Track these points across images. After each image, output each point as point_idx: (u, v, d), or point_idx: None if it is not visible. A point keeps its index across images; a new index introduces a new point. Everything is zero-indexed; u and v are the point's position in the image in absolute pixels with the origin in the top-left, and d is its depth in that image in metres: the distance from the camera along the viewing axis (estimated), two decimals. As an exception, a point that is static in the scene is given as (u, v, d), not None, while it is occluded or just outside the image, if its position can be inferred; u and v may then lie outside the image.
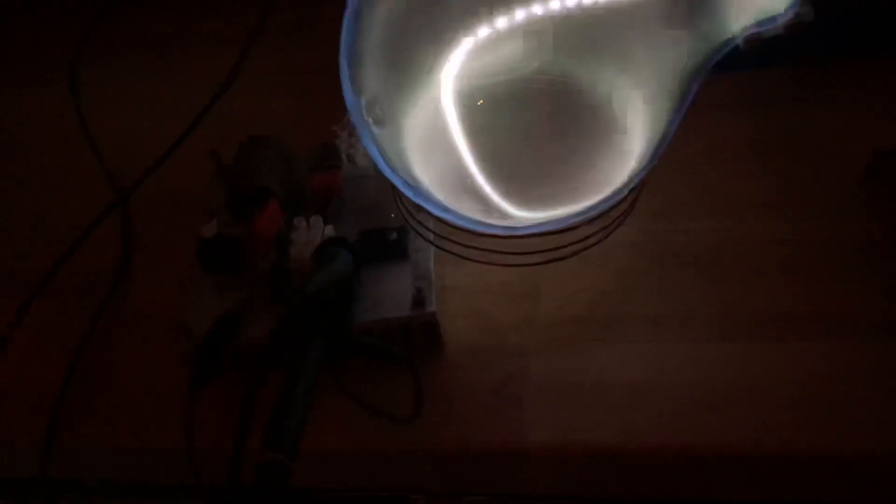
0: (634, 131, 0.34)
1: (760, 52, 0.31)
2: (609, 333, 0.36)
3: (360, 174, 0.41)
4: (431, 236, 0.37)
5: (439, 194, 0.34)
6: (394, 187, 0.34)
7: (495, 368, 0.36)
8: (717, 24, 0.30)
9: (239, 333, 0.36)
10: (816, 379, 0.34)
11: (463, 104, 0.33)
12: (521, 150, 0.34)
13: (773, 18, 0.30)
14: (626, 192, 0.33)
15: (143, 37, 0.58)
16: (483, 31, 0.32)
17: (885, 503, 0.33)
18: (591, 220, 0.34)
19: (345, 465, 0.36)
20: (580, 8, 0.31)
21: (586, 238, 0.35)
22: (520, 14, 0.32)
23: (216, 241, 0.37)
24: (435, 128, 0.34)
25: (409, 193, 0.33)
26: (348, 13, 0.32)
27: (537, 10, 0.31)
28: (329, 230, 0.38)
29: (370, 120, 0.33)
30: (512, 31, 0.32)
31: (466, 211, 0.34)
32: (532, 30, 0.32)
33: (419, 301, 0.35)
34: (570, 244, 0.35)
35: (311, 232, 0.38)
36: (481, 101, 0.33)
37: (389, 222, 0.38)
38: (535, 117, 0.35)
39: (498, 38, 0.32)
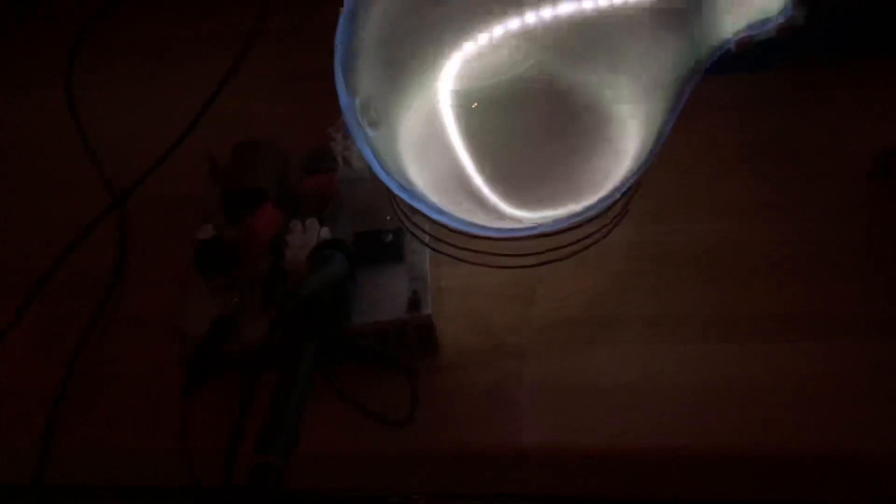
0: (629, 133, 0.34)
1: (755, 54, 0.32)
2: (605, 335, 0.36)
3: (355, 176, 0.41)
4: (427, 238, 0.37)
5: (434, 196, 0.34)
6: (389, 190, 0.34)
7: (491, 370, 0.36)
8: (710, 27, 0.31)
9: (234, 336, 0.36)
10: (814, 379, 0.34)
11: (458, 106, 0.33)
12: (517, 152, 0.34)
13: (765, 22, 0.30)
14: (619, 194, 0.34)
15: (140, 39, 0.58)
16: (481, 35, 0.32)
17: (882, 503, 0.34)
18: (586, 222, 0.34)
19: (339, 468, 0.36)
20: (575, 12, 0.31)
21: (582, 239, 0.35)
22: (515, 19, 0.32)
23: (212, 243, 0.38)
24: (430, 130, 0.34)
25: (403, 196, 0.33)
26: (343, 15, 0.33)
27: (534, 15, 0.32)
28: (325, 232, 0.38)
29: (365, 122, 0.33)
30: (508, 34, 0.32)
31: (462, 213, 0.34)
32: (526, 32, 0.32)
33: (415, 303, 0.35)
34: (566, 246, 0.35)
35: (307, 234, 0.38)
36: (475, 104, 0.33)
37: (385, 224, 0.38)
38: (530, 119, 0.35)
39: (493, 41, 0.32)
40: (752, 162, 0.42)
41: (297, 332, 0.31)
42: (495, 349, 0.37)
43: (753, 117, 0.43)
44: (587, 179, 0.34)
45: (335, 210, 0.40)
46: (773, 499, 0.34)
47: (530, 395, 0.35)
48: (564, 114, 0.34)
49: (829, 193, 0.39)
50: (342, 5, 0.33)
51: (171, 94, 0.52)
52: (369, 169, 0.34)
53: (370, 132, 0.33)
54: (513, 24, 0.32)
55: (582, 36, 0.32)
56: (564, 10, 0.31)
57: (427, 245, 0.37)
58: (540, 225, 0.34)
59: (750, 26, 0.30)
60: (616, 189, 0.33)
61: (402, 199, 0.34)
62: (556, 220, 0.34)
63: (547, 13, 0.31)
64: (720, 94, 0.44)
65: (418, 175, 0.35)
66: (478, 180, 0.34)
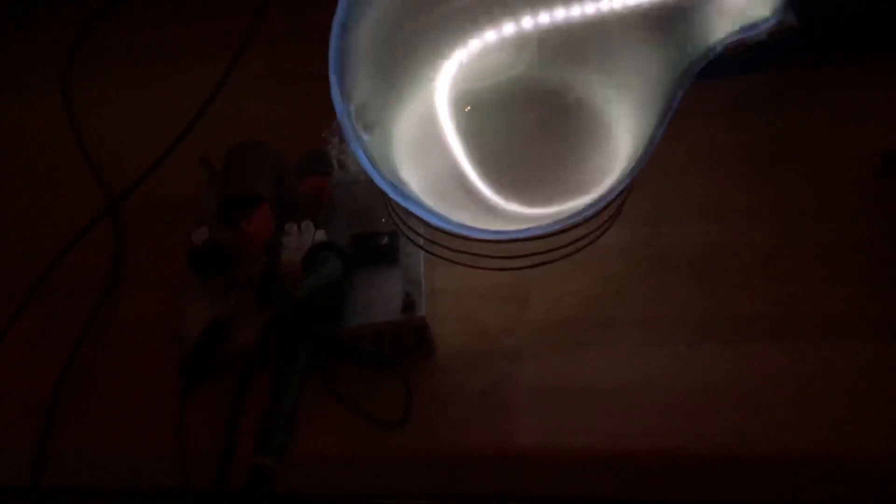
0: (622, 135, 0.34)
1: (748, 57, 0.32)
2: (599, 336, 0.37)
3: (351, 179, 0.41)
4: (422, 241, 0.37)
5: (429, 199, 0.35)
6: (384, 192, 0.34)
7: (485, 372, 0.36)
8: (701, 31, 0.31)
9: (230, 338, 0.36)
10: (810, 380, 0.34)
11: (452, 108, 0.34)
12: (510, 154, 0.34)
13: (756, 25, 0.30)
14: (613, 196, 0.34)
15: (137, 41, 0.58)
16: (475, 40, 0.32)
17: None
18: (579, 224, 0.35)
19: (335, 469, 0.36)
20: (566, 18, 0.31)
21: (575, 241, 0.35)
22: (510, 23, 0.32)
23: (207, 246, 0.38)
24: (425, 132, 0.35)
25: (397, 199, 0.34)
26: (337, 19, 0.33)
27: (528, 19, 0.32)
28: (320, 235, 0.38)
29: (359, 126, 0.33)
30: (502, 38, 0.32)
31: (459, 213, 0.34)
32: (520, 35, 0.32)
33: (409, 305, 0.35)
34: (560, 248, 0.35)
35: (302, 237, 0.38)
36: (468, 108, 0.33)
37: (380, 227, 0.39)
38: (523, 121, 0.35)
39: (488, 45, 0.33)
40: (746, 164, 0.42)
41: (292, 334, 0.31)
42: (490, 351, 0.37)
43: (747, 120, 0.43)
44: (581, 181, 0.34)
45: (331, 212, 0.40)
46: (769, 499, 0.35)
47: (525, 397, 0.35)
48: (558, 116, 0.35)
49: (823, 195, 0.40)
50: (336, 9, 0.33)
51: (167, 96, 0.52)
52: (364, 172, 0.34)
53: (365, 136, 0.33)
54: (507, 28, 0.32)
55: (574, 39, 0.32)
56: (558, 15, 0.32)
57: (422, 247, 0.37)
58: (533, 227, 0.34)
59: (741, 30, 0.30)
60: (609, 191, 0.34)
61: (396, 203, 0.34)
62: (550, 223, 0.34)
63: (541, 18, 0.32)
64: (714, 97, 0.44)
65: (413, 177, 0.35)
66: (476, 179, 0.34)
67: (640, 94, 0.33)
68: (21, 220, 0.48)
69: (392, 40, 0.34)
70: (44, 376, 0.39)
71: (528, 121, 0.35)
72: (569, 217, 0.34)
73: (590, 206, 0.34)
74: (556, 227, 0.34)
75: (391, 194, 0.34)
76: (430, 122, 0.34)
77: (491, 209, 0.34)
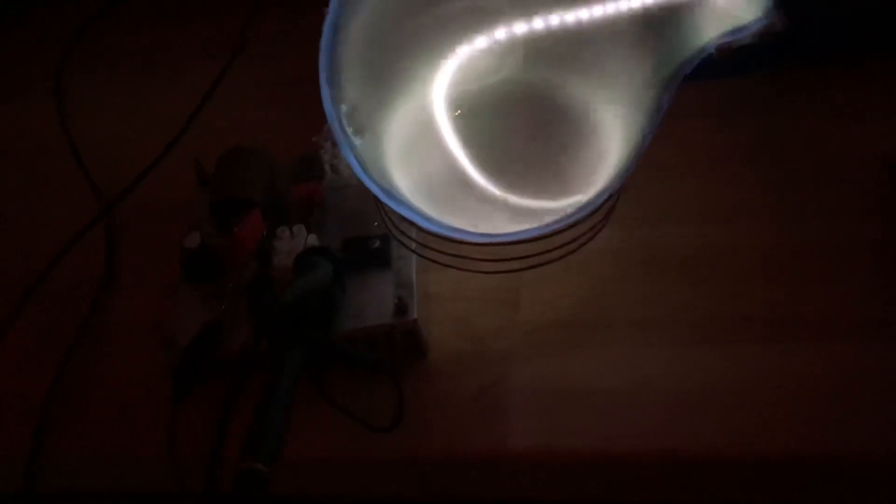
0: (612, 138, 0.35)
1: (738, 59, 0.32)
2: (592, 338, 0.37)
3: (342, 184, 0.41)
4: (413, 244, 0.37)
5: (421, 202, 0.35)
6: (375, 196, 0.34)
7: (478, 375, 0.36)
8: (690, 34, 0.31)
9: (221, 343, 0.36)
10: (803, 381, 0.34)
11: (443, 110, 0.34)
12: (501, 157, 0.35)
13: (744, 28, 0.30)
14: (603, 199, 0.34)
15: (128, 48, 0.58)
16: (467, 43, 0.33)
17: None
18: (570, 227, 0.35)
19: (326, 473, 0.36)
20: (555, 24, 0.31)
21: (567, 244, 0.35)
22: (500, 28, 0.32)
23: (199, 251, 0.38)
24: (416, 136, 0.35)
25: (389, 203, 0.34)
26: (327, 25, 0.33)
27: (519, 26, 0.32)
28: (312, 239, 0.38)
29: (351, 130, 0.33)
30: (492, 42, 0.32)
31: (448, 218, 0.34)
32: (510, 39, 0.32)
33: (401, 309, 0.35)
34: (551, 250, 0.35)
35: (294, 241, 0.38)
36: (458, 111, 0.33)
37: (372, 231, 0.39)
38: (513, 124, 0.35)
39: (478, 49, 0.33)
40: (738, 166, 0.42)
41: (283, 338, 0.31)
42: (483, 354, 0.37)
43: (739, 122, 0.44)
44: (572, 183, 0.34)
45: (323, 217, 0.40)
46: (766, 501, 0.35)
47: (518, 400, 0.35)
48: (547, 119, 0.35)
49: (819, 196, 0.40)
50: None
51: (161, 100, 0.52)
52: (356, 176, 0.34)
53: (356, 140, 0.33)
54: (498, 33, 0.32)
55: (563, 42, 0.32)
56: (548, 21, 0.32)
57: (413, 251, 0.37)
58: (525, 230, 0.34)
59: (729, 32, 0.31)
60: (600, 193, 0.34)
61: (388, 206, 0.34)
62: (542, 226, 0.34)
63: (531, 24, 0.32)
64: (708, 98, 0.44)
65: (405, 181, 0.35)
66: (474, 173, 0.34)
67: (630, 96, 0.33)
68: (15, 224, 0.48)
69: (383, 44, 0.34)
70: (37, 381, 0.39)
71: (517, 124, 0.35)
72: (561, 219, 0.34)
73: (581, 208, 0.34)
74: (549, 230, 0.34)
75: (382, 198, 0.34)
76: (423, 125, 0.34)
77: (489, 201, 0.34)
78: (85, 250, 0.44)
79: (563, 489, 0.35)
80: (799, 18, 0.31)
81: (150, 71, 0.56)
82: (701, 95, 0.43)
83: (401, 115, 0.35)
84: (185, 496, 0.34)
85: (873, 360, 0.34)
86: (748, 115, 0.44)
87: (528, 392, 0.35)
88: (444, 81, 0.33)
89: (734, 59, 0.32)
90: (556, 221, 0.34)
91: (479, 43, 0.32)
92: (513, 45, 0.32)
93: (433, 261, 0.37)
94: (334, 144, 0.41)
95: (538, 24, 0.32)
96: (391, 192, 0.34)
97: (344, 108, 0.33)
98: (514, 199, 0.34)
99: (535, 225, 0.34)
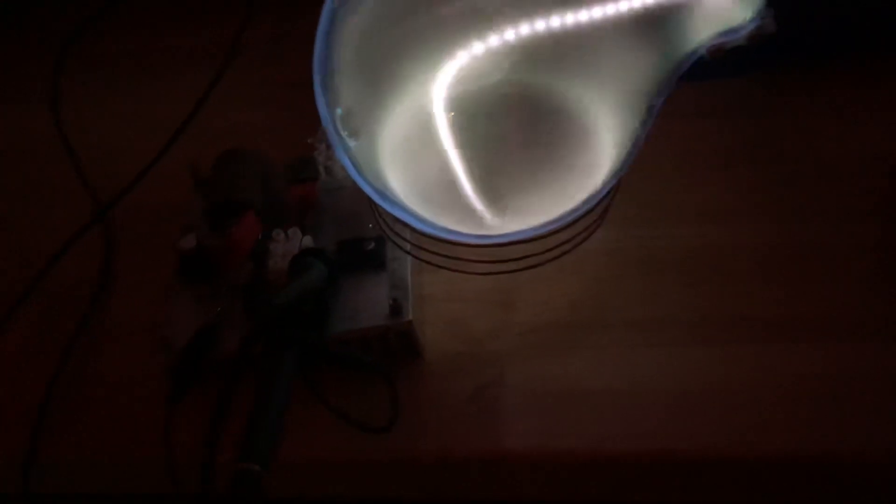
0: (606, 139, 0.35)
1: (731, 61, 0.32)
2: (586, 339, 0.37)
3: (337, 185, 0.41)
4: (408, 246, 0.37)
5: (416, 203, 0.35)
6: (370, 198, 0.34)
7: (472, 376, 0.36)
8: (682, 36, 0.31)
9: (217, 345, 0.36)
10: (798, 382, 0.34)
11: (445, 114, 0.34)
12: (495, 160, 0.35)
13: (736, 30, 0.30)
14: (597, 199, 0.34)
15: (123, 52, 0.58)
16: (461, 46, 0.33)
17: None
18: (565, 228, 0.35)
19: (322, 475, 0.36)
20: (549, 27, 0.31)
21: (561, 245, 0.35)
22: (496, 32, 0.32)
23: (195, 252, 0.38)
24: (412, 138, 0.35)
25: (383, 204, 0.34)
26: (321, 27, 0.33)
27: (514, 30, 0.32)
28: (307, 241, 0.38)
29: (345, 132, 0.33)
30: (487, 46, 0.32)
31: (443, 219, 0.34)
32: (504, 42, 0.33)
33: (396, 310, 0.35)
34: (546, 251, 0.35)
35: (289, 243, 0.38)
36: (452, 114, 0.33)
37: (367, 232, 0.39)
38: (507, 127, 0.35)
39: (472, 53, 0.33)
40: (734, 167, 0.42)
41: (277, 340, 0.31)
42: (477, 355, 0.37)
43: (734, 123, 0.44)
44: (565, 186, 0.35)
45: (318, 218, 0.40)
46: (761, 501, 0.35)
47: (513, 400, 0.35)
48: (541, 122, 0.35)
49: (813, 196, 0.40)
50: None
51: (156, 103, 0.52)
52: (351, 178, 0.34)
53: (351, 142, 0.33)
54: (493, 37, 0.32)
55: (558, 45, 0.32)
56: (542, 23, 0.32)
57: (408, 252, 0.37)
58: (519, 231, 0.34)
59: (721, 34, 0.31)
60: (594, 195, 0.34)
61: (382, 208, 0.34)
62: (536, 227, 0.34)
63: (525, 26, 0.32)
64: (701, 100, 0.44)
65: (399, 182, 0.35)
66: (465, 186, 0.34)
67: (623, 97, 0.33)
68: (10, 228, 0.48)
69: (378, 46, 0.34)
70: (34, 382, 0.39)
71: (511, 126, 0.35)
72: (555, 220, 0.34)
73: (575, 209, 0.34)
74: (543, 231, 0.34)
75: (377, 200, 0.34)
76: (418, 127, 0.34)
77: (480, 218, 0.34)
78: (82, 252, 0.44)
79: (559, 490, 0.36)
80: (790, 20, 0.31)
81: (146, 73, 0.56)
82: (697, 96, 0.43)
83: (396, 117, 0.35)
84: (181, 497, 0.34)
85: (872, 360, 0.34)
86: (745, 116, 0.44)
87: (524, 393, 0.35)
88: (440, 84, 0.33)
89: (728, 59, 0.32)
90: (552, 222, 0.34)
91: (475, 45, 0.33)
92: (507, 47, 0.32)
93: (428, 262, 0.37)
94: (329, 146, 0.42)
95: (533, 26, 0.32)
96: (385, 194, 0.34)
97: (339, 110, 0.33)
98: (498, 221, 0.34)
99: (528, 226, 0.34)
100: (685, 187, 0.41)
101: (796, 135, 0.42)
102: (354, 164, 0.33)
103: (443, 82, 0.33)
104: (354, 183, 0.34)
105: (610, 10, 0.31)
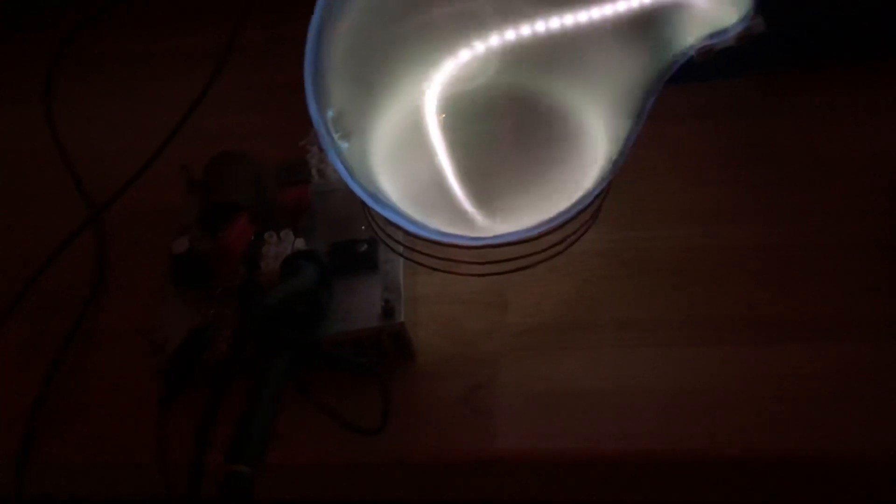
0: (596, 140, 0.35)
1: (720, 62, 0.32)
2: (578, 340, 0.37)
3: (330, 188, 0.41)
4: (401, 248, 0.37)
5: (408, 205, 0.35)
6: (362, 200, 0.35)
7: (465, 377, 0.36)
8: (671, 38, 0.31)
9: (209, 347, 0.36)
10: (786, 382, 0.34)
11: (427, 115, 0.34)
12: (487, 161, 0.35)
13: (724, 31, 0.31)
14: (588, 200, 0.34)
15: (116, 55, 0.58)
16: (452, 48, 0.33)
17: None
18: (556, 229, 0.35)
19: (313, 477, 0.36)
20: (539, 30, 0.31)
21: (553, 246, 0.35)
22: (486, 35, 0.32)
23: (187, 256, 0.38)
24: (403, 140, 0.35)
25: (375, 206, 0.34)
26: (312, 30, 0.33)
27: (504, 33, 0.32)
28: (300, 243, 0.38)
29: (338, 134, 0.33)
30: (477, 48, 0.33)
31: (435, 221, 0.35)
32: (493, 45, 0.33)
33: (388, 312, 0.36)
34: (538, 252, 0.35)
35: (282, 245, 0.38)
36: (443, 115, 0.33)
37: (360, 234, 0.39)
38: (498, 128, 0.35)
39: (463, 55, 0.33)
40: (724, 168, 0.42)
41: (268, 342, 0.32)
42: (470, 356, 0.37)
43: (724, 124, 0.44)
44: (557, 187, 0.35)
45: (310, 221, 0.40)
46: (750, 501, 0.35)
47: (505, 401, 0.35)
48: (532, 123, 0.35)
49: (804, 197, 0.40)
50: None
51: (149, 107, 0.52)
52: (343, 180, 0.34)
53: (343, 144, 0.34)
54: (484, 38, 0.32)
55: (547, 47, 0.32)
56: (533, 25, 0.32)
57: (400, 254, 0.37)
58: (511, 232, 0.34)
59: (709, 35, 0.31)
60: (584, 196, 0.34)
61: (374, 210, 0.34)
62: (528, 228, 0.34)
63: (516, 29, 0.32)
64: (696, 101, 0.44)
65: (392, 184, 0.35)
66: (456, 189, 0.34)
67: (613, 99, 0.33)
68: (3, 231, 0.48)
69: (370, 49, 0.34)
70: (26, 385, 0.39)
71: (502, 128, 0.35)
72: (546, 221, 0.34)
73: (567, 210, 0.34)
74: (534, 232, 0.34)
75: (368, 202, 0.34)
76: (410, 129, 0.34)
77: (470, 220, 0.35)
78: (75, 254, 0.44)
79: (551, 490, 0.36)
80: (780, 21, 0.31)
81: (140, 76, 0.56)
82: (692, 97, 0.43)
83: (387, 119, 0.35)
84: (172, 500, 0.34)
85: (866, 360, 0.34)
86: (740, 117, 0.44)
87: (517, 393, 0.35)
88: (431, 85, 0.33)
89: (717, 61, 0.32)
90: (543, 223, 0.34)
91: (466, 48, 0.33)
92: (498, 49, 0.32)
93: (420, 264, 0.37)
94: (321, 149, 0.42)
95: (523, 29, 0.32)
96: (377, 196, 0.34)
97: (330, 112, 0.33)
98: (489, 223, 0.34)
99: (520, 227, 0.34)
100: (678, 188, 0.41)
101: (791, 136, 0.43)
102: (346, 166, 0.34)
103: (434, 84, 0.33)
104: (347, 185, 0.34)
105: (599, 12, 0.31)
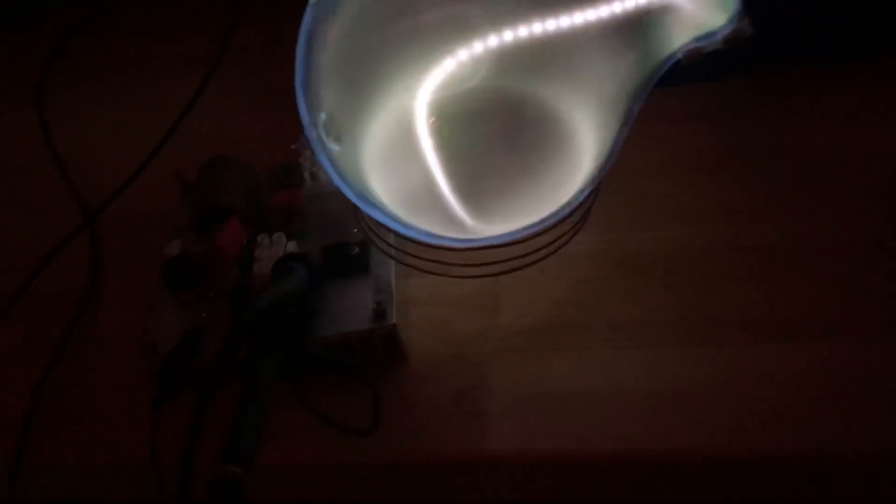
0: (585, 143, 0.35)
1: (709, 65, 0.32)
2: (569, 341, 0.37)
3: (322, 191, 0.41)
4: (392, 250, 0.37)
5: (399, 208, 0.35)
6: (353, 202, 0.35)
7: (456, 378, 0.36)
8: (658, 41, 0.31)
9: (202, 350, 0.36)
10: (773, 382, 0.34)
11: (416, 118, 0.34)
12: (476, 164, 0.35)
13: (711, 34, 0.31)
14: (578, 202, 0.34)
15: (110, 59, 0.58)
16: (443, 51, 0.33)
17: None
18: (546, 230, 0.35)
19: (304, 478, 0.36)
20: (529, 35, 0.31)
21: (544, 247, 0.36)
22: (477, 39, 0.32)
23: (180, 259, 0.38)
24: (394, 143, 0.35)
25: (366, 209, 0.34)
26: (303, 32, 0.33)
27: (496, 36, 0.32)
28: (292, 246, 0.38)
29: (329, 137, 0.34)
30: (467, 52, 0.33)
31: (426, 223, 0.35)
32: (484, 48, 0.33)
33: (380, 314, 0.36)
34: (528, 254, 0.36)
35: (274, 249, 0.38)
36: (432, 119, 0.34)
37: (352, 237, 0.39)
38: (487, 131, 0.35)
39: (454, 59, 0.33)
40: (714, 170, 0.42)
41: (259, 344, 0.32)
42: (461, 357, 0.37)
43: (714, 126, 0.44)
44: (546, 189, 0.35)
45: (303, 224, 0.40)
46: (742, 501, 0.35)
47: (497, 403, 0.35)
48: (522, 126, 0.35)
49: (790, 199, 0.40)
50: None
51: (142, 111, 0.52)
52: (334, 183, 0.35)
53: (335, 147, 0.34)
54: (474, 41, 0.33)
55: (536, 50, 0.32)
56: (523, 29, 0.32)
57: (392, 257, 0.37)
58: (502, 234, 0.34)
59: (697, 38, 0.31)
60: (574, 197, 0.34)
61: (366, 213, 0.35)
62: (518, 229, 0.34)
63: (506, 32, 0.32)
64: (689, 103, 0.44)
65: (383, 187, 0.35)
66: (446, 192, 0.34)
67: (602, 101, 0.34)
68: (-3, 236, 0.48)
69: (361, 52, 0.34)
70: (20, 389, 0.39)
71: (492, 131, 0.35)
72: (537, 223, 0.34)
73: (556, 211, 0.34)
74: (525, 234, 0.35)
75: (359, 204, 0.34)
76: (401, 132, 0.34)
77: (460, 223, 0.35)
78: (68, 258, 0.44)
79: (543, 491, 0.36)
80: (768, 23, 0.32)
81: (132, 81, 0.56)
82: (685, 98, 0.43)
83: (378, 122, 0.35)
84: (165, 502, 0.34)
85: (862, 360, 0.34)
86: (722, 120, 0.44)
87: (508, 395, 0.36)
88: (421, 89, 0.34)
89: (706, 64, 0.32)
90: (533, 225, 0.34)
91: (456, 51, 0.33)
92: (488, 53, 0.33)
93: (412, 266, 0.37)
94: (313, 152, 0.42)
95: (512, 32, 0.32)
96: (368, 199, 0.34)
97: (322, 115, 0.33)
98: (478, 225, 0.35)
99: (511, 229, 0.34)
100: (669, 189, 0.41)
101: (785, 136, 0.43)
102: (337, 169, 0.34)
103: (424, 88, 0.33)
104: (338, 188, 0.34)
105: (587, 16, 0.31)
